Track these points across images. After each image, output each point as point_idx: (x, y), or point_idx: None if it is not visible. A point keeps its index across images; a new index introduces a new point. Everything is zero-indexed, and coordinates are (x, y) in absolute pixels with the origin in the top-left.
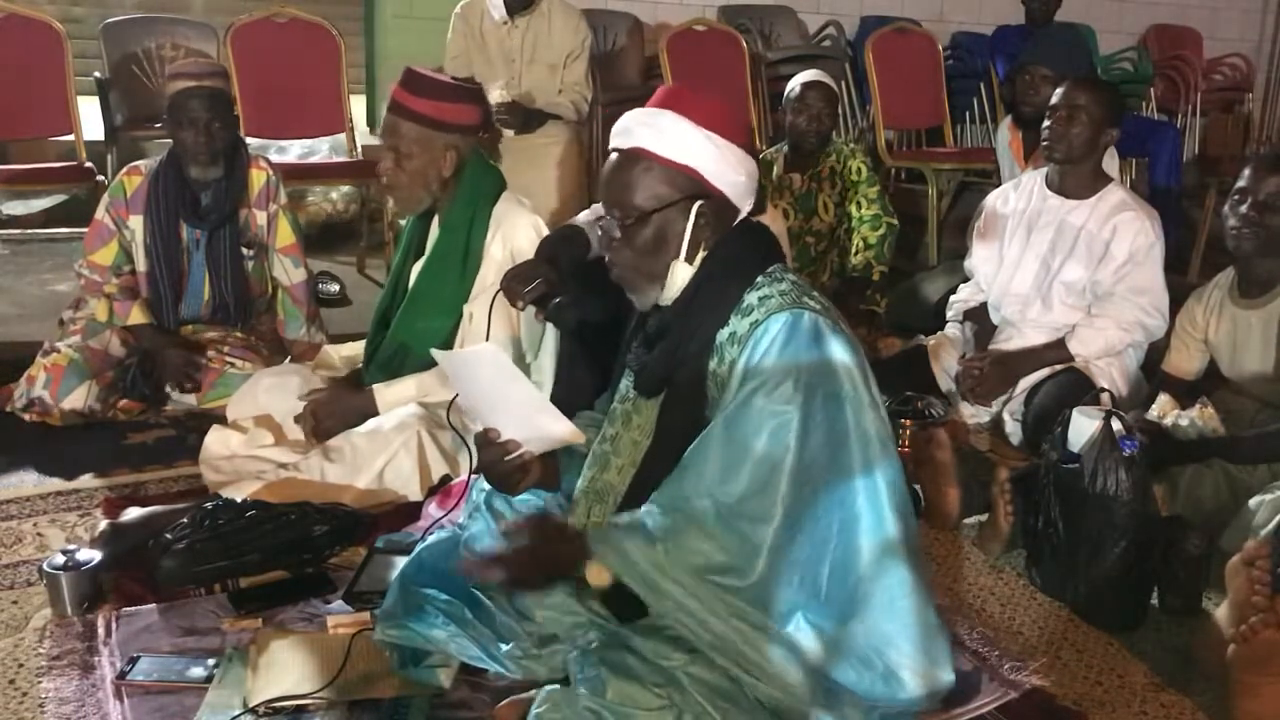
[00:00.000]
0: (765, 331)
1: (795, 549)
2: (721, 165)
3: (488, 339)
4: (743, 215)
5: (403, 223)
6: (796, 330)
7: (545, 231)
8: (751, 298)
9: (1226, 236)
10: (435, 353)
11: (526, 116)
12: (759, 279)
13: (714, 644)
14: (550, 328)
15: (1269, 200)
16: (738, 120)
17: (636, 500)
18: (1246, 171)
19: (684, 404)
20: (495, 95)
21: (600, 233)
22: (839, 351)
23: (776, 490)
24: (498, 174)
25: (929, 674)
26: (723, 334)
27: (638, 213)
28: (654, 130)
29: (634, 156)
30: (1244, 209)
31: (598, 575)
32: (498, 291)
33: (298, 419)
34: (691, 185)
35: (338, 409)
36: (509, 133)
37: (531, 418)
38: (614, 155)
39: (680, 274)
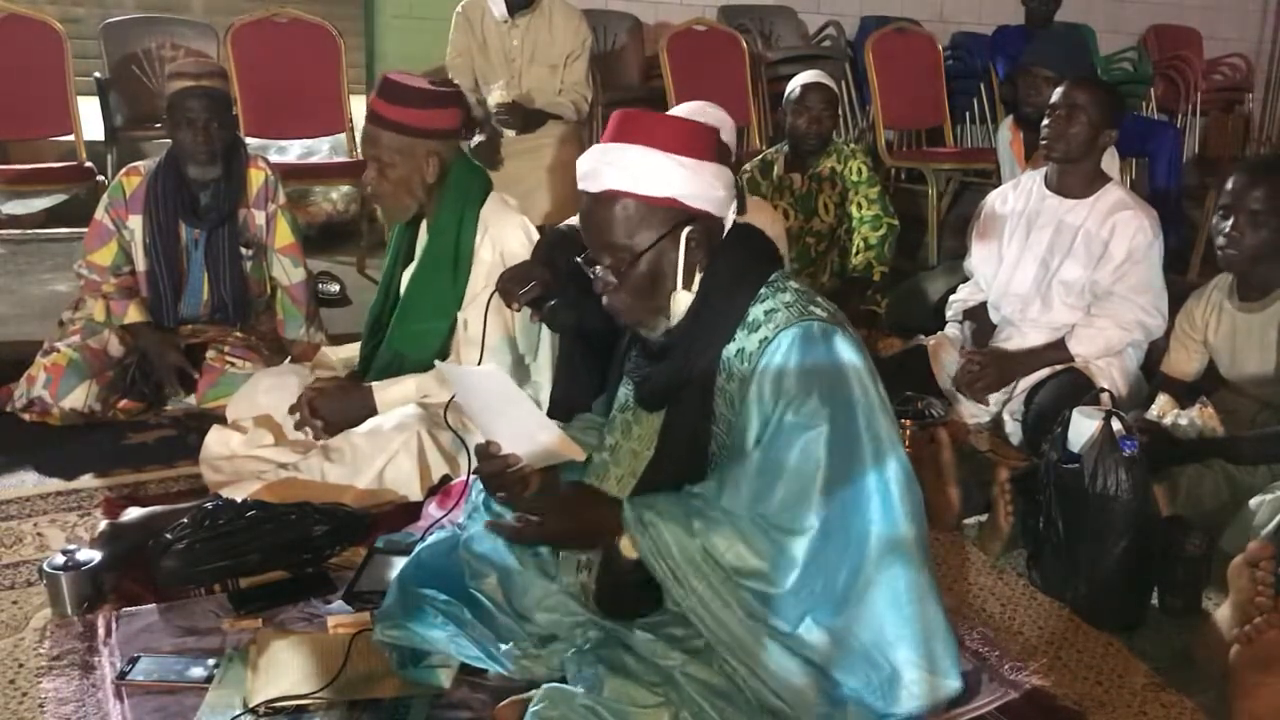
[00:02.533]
0: (777, 347)
1: (823, 558)
2: (699, 186)
3: (483, 342)
4: (730, 224)
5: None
6: (809, 342)
7: (534, 232)
8: (757, 311)
9: (1216, 251)
10: (440, 365)
11: (526, 117)
12: (762, 290)
13: (726, 642)
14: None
15: (1253, 216)
16: (702, 135)
17: None
18: (1229, 185)
19: (687, 418)
20: (495, 96)
21: (592, 278)
22: (849, 357)
23: (810, 503)
24: (484, 176)
25: (933, 679)
26: (729, 350)
27: (628, 255)
28: (623, 168)
29: (609, 199)
30: (1229, 226)
31: (627, 548)
32: (493, 293)
33: (293, 409)
34: (674, 215)
35: (337, 403)
36: (509, 133)
37: (533, 435)
38: (586, 199)
39: (682, 301)
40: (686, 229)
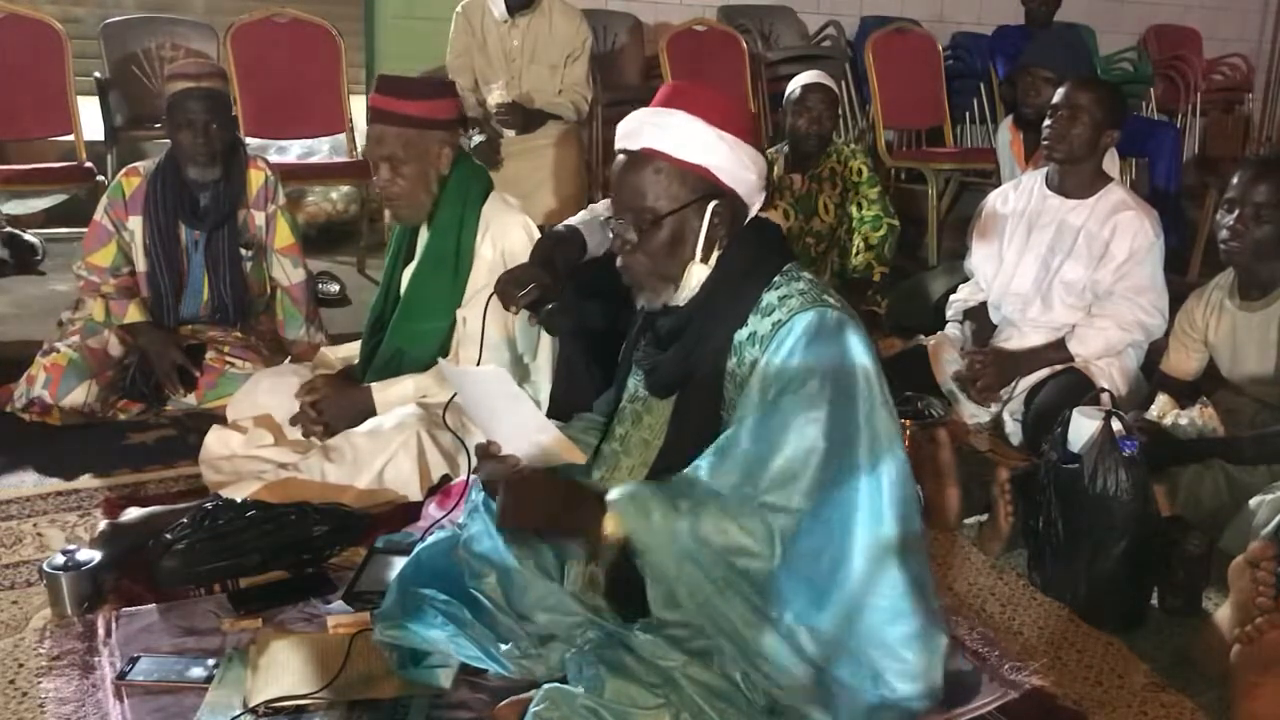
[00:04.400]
0: (790, 331)
1: (801, 543)
2: (734, 163)
3: (482, 342)
4: (753, 213)
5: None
6: (821, 329)
7: (535, 231)
8: (770, 297)
9: (1219, 245)
10: (443, 365)
11: (526, 117)
12: (776, 279)
13: (713, 619)
14: None
15: (1257, 211)
16: (745, 116)
17: None
18: (1235, 180)
19: (699, 404)
20: (495, 95)
21: (612, 235)
22: (857, 350)
23: (801, 485)
24: (485, 175)
25: (918, 675)
26: (741, 334)
27: (652, 215)
28: (664, 130)
29: (645, 158)
30: (1232, 220)
31: (613, 527)
32: (492, 295)
33: (295, 419)
34: (705, 185)
35: (338, 404)
36: (509, 133)
37: (532, 436)
38: (622, 157)
39: (696, 274)
40: (714, 202)
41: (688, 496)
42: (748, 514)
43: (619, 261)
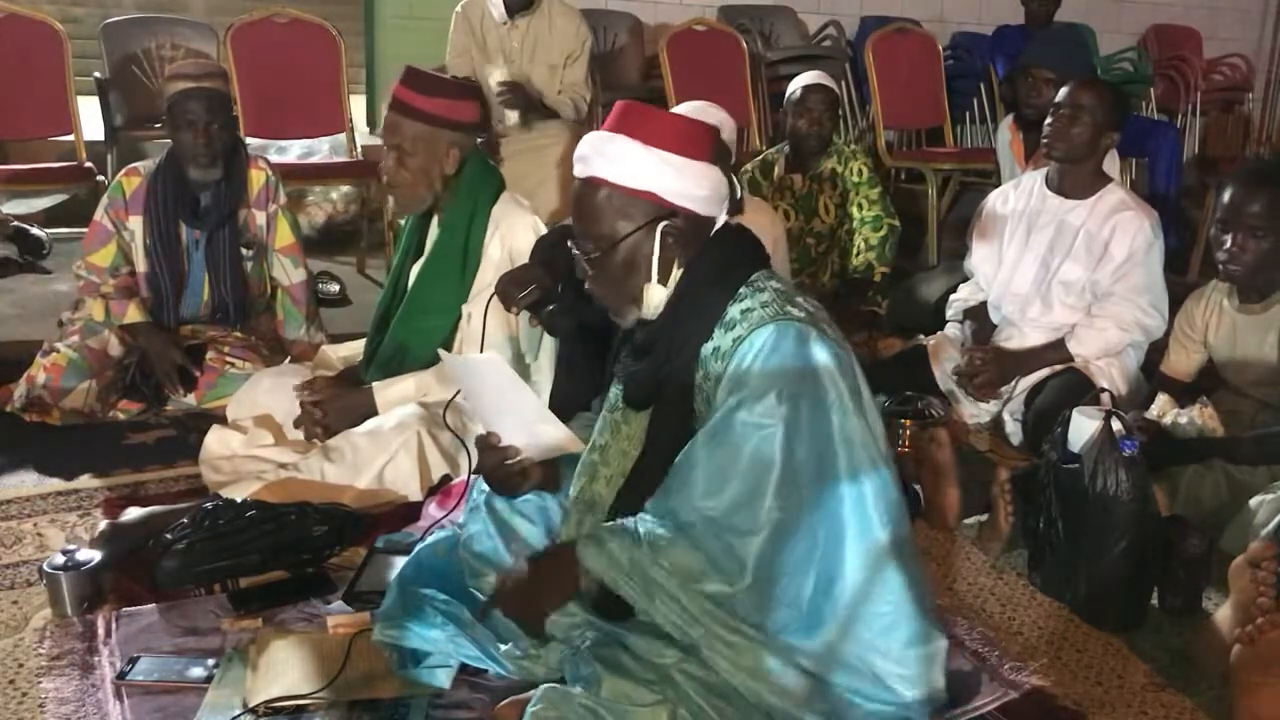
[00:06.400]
0: (750, 346)
1: (781, 561)
2: (680, 183)
3: (484, 341)
4: (719, 223)
5: (403, 223)
6: (780, 342)
7: (544, 231)
8: (734, 310)
9: (1217, 265)
10: (443, 354)
11: (529, 99)
12: (741, 290)
13: (704, 641)
14: None
15: (1252, 231)
16: (696, 133)
17: (625, 512)
18: (1226, 198)
19: (672, 417)
20: (497, 75)
21: (575, 261)
22: (823, 358)
23: (761, 503)
24: (497, 174)
25: (920, 680)
26: (707, 348)
27: (607, 242)
28: (607, 158)
29: (593, 186)
30: (1229, 242)
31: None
32: (493, 295)
33: (298, 422)
34: (652, 209)
35: (340, 405)
36: (510, 123)
37: (533, 426)
38: (577, 183)
39: (655, 295)
40: (663, 224)
41: (650, 534)
42: (712, 541)
43: (585, 285)
